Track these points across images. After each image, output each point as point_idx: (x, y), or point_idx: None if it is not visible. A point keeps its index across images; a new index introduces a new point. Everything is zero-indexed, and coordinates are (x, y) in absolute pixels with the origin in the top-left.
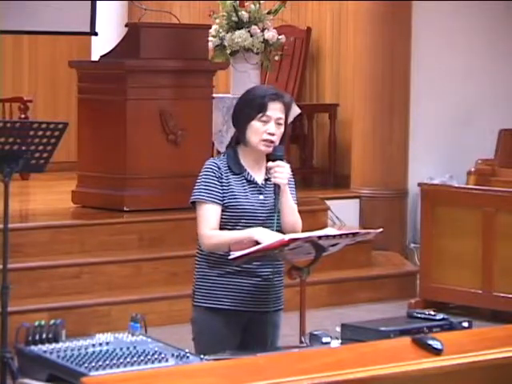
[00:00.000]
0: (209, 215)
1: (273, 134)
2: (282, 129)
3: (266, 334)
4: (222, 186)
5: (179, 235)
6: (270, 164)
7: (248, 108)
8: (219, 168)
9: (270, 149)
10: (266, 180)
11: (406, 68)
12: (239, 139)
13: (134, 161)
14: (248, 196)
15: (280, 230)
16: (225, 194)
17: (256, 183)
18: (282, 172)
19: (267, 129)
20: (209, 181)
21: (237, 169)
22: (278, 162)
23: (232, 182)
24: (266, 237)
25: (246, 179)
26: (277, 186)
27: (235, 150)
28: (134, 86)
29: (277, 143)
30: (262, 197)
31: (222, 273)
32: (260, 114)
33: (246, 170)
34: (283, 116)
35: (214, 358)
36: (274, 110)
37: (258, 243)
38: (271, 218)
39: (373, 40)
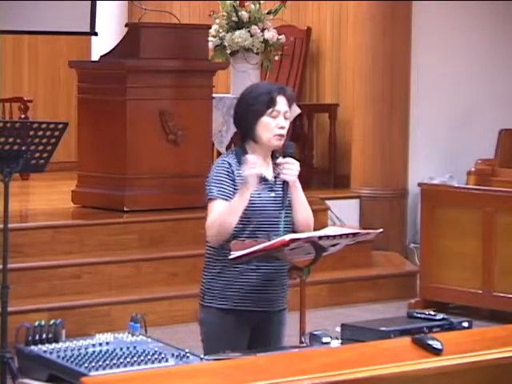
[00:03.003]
0: (216, 210)
1: (283, 128)
2: (289, 124)
3: (274, 332)
4: (233, 182)
5: (179, 235)
6: (280, 160)
7: (256, 105)
8: (230, 165)
9: (281, 142)
10: (276, 177)
11: (406, 68)
12: (245, 137)
13: (134, 161)
14: (260, 193)
15: (288, 227)
16: (237, 190)
17: (267, 180)
18: (292, 169)
19: (278, 123)
20: (220, 178)
21: None
22: (288, 159)
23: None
24: (247, 184)
25: None
26: (286, 183)
27: (243, 147)
28: (133, 86)
29: (284, 138)
30: (273, 194)
31: (235, 273)
32: (270, 110)
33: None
34: (289, 109)
35: (214, 358)
36: (282, 103)
37: (258, 242)
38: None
39: (373, 40)
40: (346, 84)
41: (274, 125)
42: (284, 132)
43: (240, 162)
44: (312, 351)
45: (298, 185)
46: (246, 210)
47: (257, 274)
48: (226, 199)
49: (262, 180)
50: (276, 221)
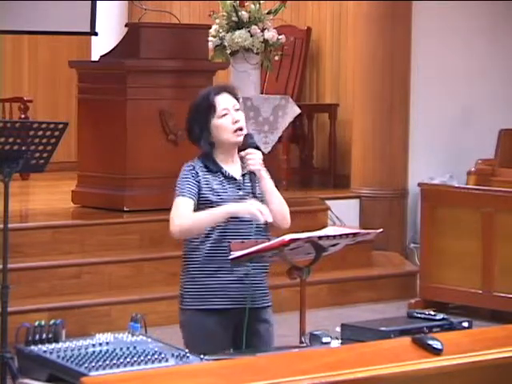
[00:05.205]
0: (180, 206)
1: (239, 121)
2: (243, 114)
3: (261, 330)
4: (198, 184)
5: None
6: (241, 153)
7: (199, 115)
8: (194, 168)
9: (242, 137)
10: (244, 175)
11: (405, 68)
12: (206, 146)
13: (134, 161)
14: (228, 192)
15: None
16: (204, 192)
17: (235, 179)
18: (254, 158)
19: (232, 119)
20: (183, 179)
21: (214, 167)
22: (248, 150)
23: (211, 180)
24: (240, 208)
25: (224, 176)
26: (252, 174)
27: (207, 152)
28: (133, 86)
29: (245, 129)
30: (241, 192)
31: (209, 273)
32: (214, 112)
33: (222, 167)
34: (237, 102)
35: (214, 358)
36: (225, 100)
37: (258, 242)
38: None
39: (373, 40)
40: (346, 84)
41: (228, 122)
42: (242, 125)
43: (206, 167)
44: (312, 351)
45: (265, 174)
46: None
47: (232, 273)
48: (190, 197)
49: (231, 179)
50: (248, 218)
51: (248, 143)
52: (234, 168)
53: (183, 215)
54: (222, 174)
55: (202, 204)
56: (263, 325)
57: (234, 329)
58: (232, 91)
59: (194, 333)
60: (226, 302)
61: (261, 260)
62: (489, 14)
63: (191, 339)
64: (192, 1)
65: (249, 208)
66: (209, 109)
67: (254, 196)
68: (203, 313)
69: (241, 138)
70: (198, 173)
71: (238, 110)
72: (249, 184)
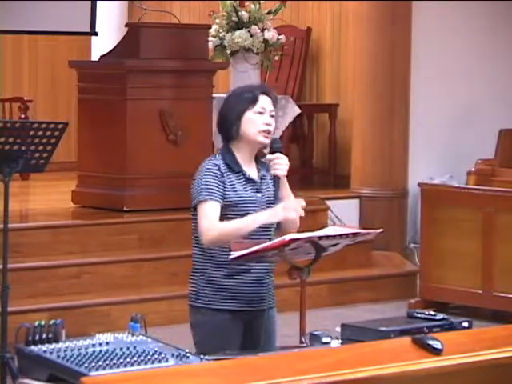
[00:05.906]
0: (210, 212)
1: (269, 125)
2: (274, 122)
3: (267, 328)
4: (223, 184)
5: (179, 235)
6: (270, 156)
7: (239, 103)
8: (218, 167)
9: (268, 140)
10: (262, 178)
11: (406, 68)
12: (230, 138)
13: (133, 161)
14: (250, 194)
15: (279, 223)
16: (228, 193)
17: (254, 181)
18: (282, 164)
19: (264, 120)
20: (209, 180)
21: (235, 167)
22: (277, 154)
23: (234, 180)
24: (270, 217)
25: (244, 177)
26: (277, 178)
27: (229, 147)
28: (134, 86)
29: (272, 135)
30: (259, 194)
31: (227, 274)
32: (253, 106)
33: (242, 168)
34: (274, 109)
35: (214, 358)
36: (266, 102)
37: (258, 242)
38: None
39: (373, 40)
40: (346, 84)
41: (260, 121)
42: (271, 128)
43: (229, 166)
44: (312, 351)
45: (285, 180)
46: (239, 210)
47: (249, 274)
48: (218, 201)
49: (250, 181)
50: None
51: (274, 147)
52: (251, 170)
53: (212, 227)
54: (243, 174)
55: (224, 205)
56: (271, 320)
57: (245, 328)
58: (274, 99)
59: (208, 331)
60: (243, 304)
61: (261, 260)
62: (489, 14)
63: (204, 338)
64: (192, 1)
65: (279, 214)
66: (250, 100)
67: (276, 200)
68: (218, 312)
69: (264, 140)
70: (222, 173)
71: (273, 116)
72: (265, 186)
